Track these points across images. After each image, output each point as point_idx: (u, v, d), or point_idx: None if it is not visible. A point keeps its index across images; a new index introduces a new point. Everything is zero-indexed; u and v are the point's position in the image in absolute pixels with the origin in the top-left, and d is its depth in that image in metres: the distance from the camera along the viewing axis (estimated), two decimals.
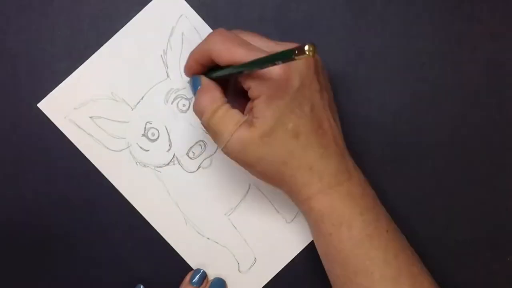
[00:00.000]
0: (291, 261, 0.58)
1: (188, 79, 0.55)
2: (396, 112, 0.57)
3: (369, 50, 0.57)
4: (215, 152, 0.58)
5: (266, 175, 0.50)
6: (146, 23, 0.57)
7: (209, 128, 0.50)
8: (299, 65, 0.47)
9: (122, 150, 0.57)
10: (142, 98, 0.57)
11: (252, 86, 0.48)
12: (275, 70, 0.46)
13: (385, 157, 0.57)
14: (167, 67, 0.57)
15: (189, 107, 0.57)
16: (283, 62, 0.42)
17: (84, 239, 0.57)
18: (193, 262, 0.58)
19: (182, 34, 0.57)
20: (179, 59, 0.57)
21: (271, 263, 0.58)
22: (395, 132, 0.57)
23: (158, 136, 0.57)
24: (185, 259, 0.58)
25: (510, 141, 0.57)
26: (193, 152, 0.58)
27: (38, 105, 0.56)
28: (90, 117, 0.57)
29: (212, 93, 0.50)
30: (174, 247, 0.58)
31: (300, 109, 0.47)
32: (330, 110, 0.50)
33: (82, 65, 0.57)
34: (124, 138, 0.57)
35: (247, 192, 0.58)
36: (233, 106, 0.50)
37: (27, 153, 0.57)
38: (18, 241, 0.57)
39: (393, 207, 0.57)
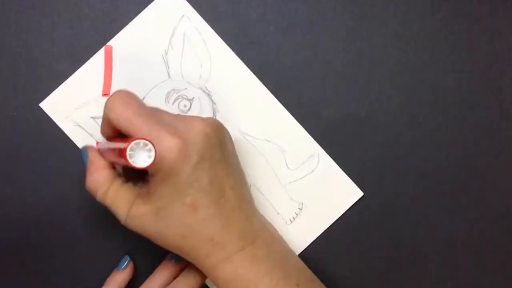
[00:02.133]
0: None
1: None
2: (396, 112, 0.57)
3: (369, 50, 0.57)
4: None
5: (169, 247, 0.49)
6: (147, 24, 0.57)
7: (107, 206, 0.50)
8: (197, 140, 0.47)
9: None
10: (143, 99, 0.57)
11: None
12: (170, 149, 0.45)
13: (385, 157, 0.57)
14: (168, 68, 0.57)
15: (190, 107, 0.57)
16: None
17: (84, 238, 0.57)
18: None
19: (184, 34, 0.57)
20: (180, 60, 0.57)
21: None
22: (395, 132, 0.57)
23: None
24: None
25: (510, 141, 0.57)
26: None
27: (40, 104, 0.56)
28: (92, 117, 0.57)
29: (101, 171, 0.50)
30: None
31: (199, 183, 0.47)
32: (233, 176, 0.50)
33: (84, 65, 0.57)
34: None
35: None
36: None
37: (28, 152, 0.57)
38: (17, 240, 0.57)
39: (393, 207, 0.57)
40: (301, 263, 0.53)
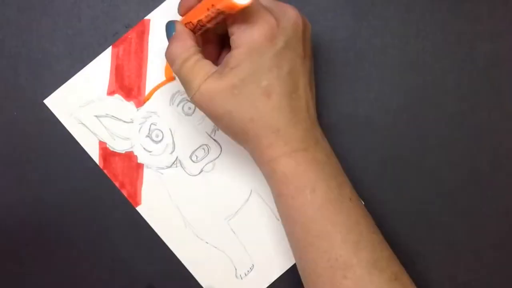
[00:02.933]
0: (288, 270, 0.58)
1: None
2: (396, 112, 0.57)
3: (369, 50, 0.57)
4: (218, 157, 0.58)
5: (232, 130, 0.49)
6: (154, 25, 0.57)
7: (180, 77, 0.49)
8: (287, 26, 0.47)
9: (126, 150, 0.57)
10: (148, 99, 0.57)
11: (236, 35, 0.47)
12: (262, 25, 0.46)
13: (385, 157, 0.57)
14: None
15: (194, 110, 0.57)
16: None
17: (85, 236, 0.57)
18: (190, 265, 0.58)
19: None
20: None
21: (268, 270, 0.58)
22: (395, 132, 0.57)
23: (162, 138, 0.57)
24: (182, 261, 0.58)
25: (510, 141, 0.57)
26: (196, 155, 0.58)
27: (45, 101, 0.57)
28: (96, 115, 0.57)
29: (185, 42, 0.49)
30: (172, 249, 0.57)
31: (278, 70, 0.47)
32: (308, 77, 0.49)
33: (90, 63, 0.57)
34: (128, 138, 0.57)
35: (248, 198, 0.58)
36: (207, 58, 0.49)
37: (28, 152, 0.57)
38: (18, 238, 0.57)
39: (393, 207, 0.57)
40: (349, 182, 0.52)
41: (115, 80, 0.57)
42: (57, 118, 0.57)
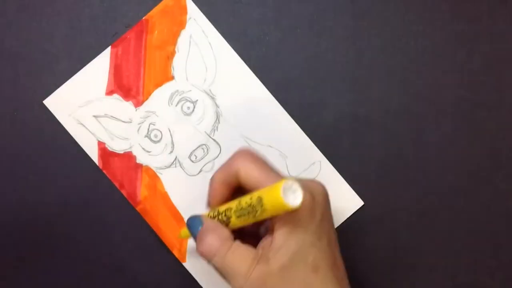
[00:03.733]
0: None
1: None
2: (396, 112, 0.57)
3: (369, 50, 0.57)
4: (217, 157, 0.58)
5: None
6: (154, 24, 0.57)
7: (221, 270, 0.47)
8: (320, 199, 0.47)
9: (124, 150, 0.57)
10: (147, 99, 0.57)
11: (276, 219, 0.46)
12: (303, 202, 0.44)
13: (385, 157, 0.57)
14: (173, 69, 0.57)
15: (193, 110, 0.57)
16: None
17: (85, 236, 0.57)
18: (189, 265, 0.58)
19: (190, 36, 0.57)
20: (185, 62, 0.57)
21: None
22: (395, 132, 0.57)
23: (161, 137, 0.57)
24: (181, 262, 0.58)
25: (510, 141, 0.57)
26: (195, 155, 0.58)
27: (44, 101, 0.57)
28: (94, 115, 0.57)
29: (219, 232, 0.47)
30: (171, 249, 0.57)
31: (320, 243, 0.46)
32: (338, 243, 0.49)
33: (89, 63, 0.57)
34: (127, 138, 0.57)
35: None
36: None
37: (27, 152, 0.57)
38: (18, 238, 0.57)
39: (393, 207, 0.57)
40: None
41: (114, 80, 0.57)
42: (56, 119, 0.57)
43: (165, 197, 0.58)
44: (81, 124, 0.57)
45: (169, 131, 0.57)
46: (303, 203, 0.43)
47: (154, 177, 0.58)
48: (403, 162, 0.58)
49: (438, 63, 0.57)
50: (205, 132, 0.57)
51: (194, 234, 0.49)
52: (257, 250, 0.47)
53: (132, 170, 0.57)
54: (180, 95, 0.57)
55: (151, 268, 0.57)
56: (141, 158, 0.57)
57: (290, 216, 0.45)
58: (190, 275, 0.58)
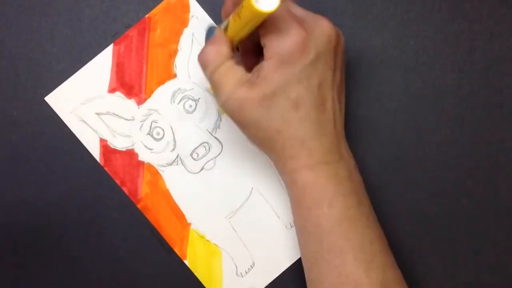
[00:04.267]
0: (289, 267, 0.58)
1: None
2: (396, 112, 0.57)
3: (369, 50, 0.57)
4: (219, 155, 0.58)
5: (258, 139, 0.49)
6: (157, 22, 0.57)
7: (211, 82, 0.49)
8: (319, 38, 0.47)
9: (126, 147, 0.57)
10: (149, 97, 0.57)
11: (268, 46, 0.47)
12: (294, 36, 0.46)
13: (385, 157, 0.57)
14: (176, 67, 0.57)
15: (195, 108, 0.57)
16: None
17: (86, 233, 0.57)
18: (190, 263, 0.58)
19: (192, 35, 0.57)
20: (188, 60, 0.57)
21: (269, 268, 0.58)
22: (395, 132, 0.57)
23: (163, 135, 0.57)
24: (182, 259, 0.58)
25: (510, 141, 0.57)
26: (197, 153, 0.58)
27: (46, 98, 0.57)
28: (96, 113, 0.57)
29: (220, 47, 0.49)
30: (172, 247, 0.58)
31: (308, 82, 0.47)
32: (337, 91, 0.49)
33: (91, 61, 0.57)
34: (129, 136, 0.57)
35: (249, 196, 0.58)
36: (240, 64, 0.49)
37: (27, 152, 0.57)
38: (19, 236, 0.57)
39: (393, 207, 0.57)
40: (369, 200, 0.52)
41: (116, 77, 0.57)
42: (58, 116, 0.57)
43: (166, 195, 0.58)
44: (83, 121, 0.57)
45: (171, 129, 0.57)
46: (295, 36, 0.44)
47: (155, 175, 0.58)
48: (403, 162, 0.57)
49: (438, 63, 0.57)
50: (207, 130, 0.58)
51: (205, 41, 0.51)
52: (247, 74, 0.48)
53: (134, 168, 0.58)
54: (182, 93, 0.57)
55: (152, 266, 0.58)
56: (143, 155, 0.58)
57: (280, 47, 0.46)
58: (191, 272, 0.58)
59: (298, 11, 0.49)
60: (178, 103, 0.57)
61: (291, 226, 0.58)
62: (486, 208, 0.58)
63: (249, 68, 0.49)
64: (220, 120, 0.57)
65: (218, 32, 0.50)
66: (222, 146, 0.58)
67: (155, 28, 0.57)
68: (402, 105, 0.57)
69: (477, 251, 0.58)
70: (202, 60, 0.49)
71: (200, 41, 0.57)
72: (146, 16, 0.57)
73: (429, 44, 0.57)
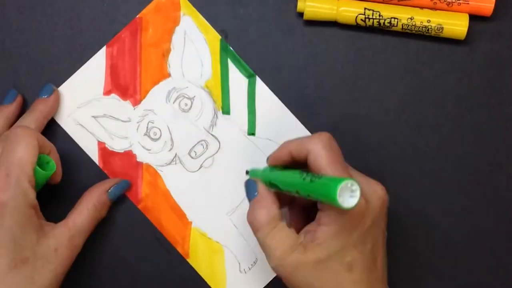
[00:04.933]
0: None
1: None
2: (396, 112, 0.57)
3: (369, 50, 0.57)
4: (216, 152, 0.58)
5: None
6: (148, 22, 0.57)
7: (263, 245, 0.49)
8: (376, 205, 0.47)
9: (124, 149, 0.57)
10: (144, 97, 0.57)
11: (326, 211, 0.46)
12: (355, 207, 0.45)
13: (385, 157, 0.57)
14: (170, 66, 0.57)
15: (191, 106, 0.57)
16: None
17: (88, 238, 0.57)
18: (193, 261, 0.58)
19: (185, 33, 0.57)
20: (181, 58, 0.57)
21: None
22: (395, 132, 0.57)
23: (160, 135, 0.57)
24: (185, 258, 0.58)
25: (510, 141, 0.57)
26: (195, 151, 0.58)
27: None
28: (93, 116, 0.57)
29: (270, 208, 0.49)
30: (174, 245, 0.58)
31: (363, 246, 0.47)
32: (384, 248, 0.49)
33: (85, 64, 0.57)
34: (127, 137, 0.57)
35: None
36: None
37: None
38: None
39: (393, 207, 0.56)
40: None
41: (111, 79, 0.57)
42: (55, 120, 0.57)
43: (166, 194, 0.58)
44: (80, 125, 0.57)
45: (168, 128, 0.57)
46: (355, 206, 0.43)
47: (154, 175, 0.58)
48: (403, 162, 0.57)
49: (438, 63, 0.57)
50: (204, 128, 0.58)
51: (249, 198, 0.50)
52: (299, 236, 0.48)
53: (133, 169, 0.58)
54: (177, 92, 0.57)
55: (155, 265, 0.58)
56: (141, 156, 0.58)
57: (339, 215, 0.46)
58: (195, 271, 0.58)
59: (354, 174, 0.49)
60: (174, 102, 0.57)
61: None
62: (486, 208, 0.58)
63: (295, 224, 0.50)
64: (216, 117, 0.58)
65: (264, 191, 0.50)
66: (219, 143, 0.58)
67: (147, 28, 0.57)
68: (402, 105, 0.57)
69: (477, 251, 0.58)
70: (254, 222, 0.49)
71: (192, 39, 0.57)
72: (137, 16, 0.57)
73: (429, 44, 0.57)
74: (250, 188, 0.50)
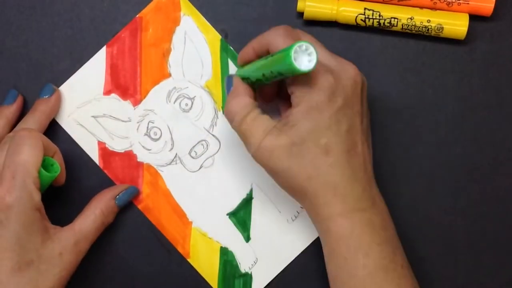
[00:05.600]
0: (293, 261, 0.58)
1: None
2: (396, 112, 0.57)
3: (369, 50, 0.57)
4: (217, 152, 0.58)
5: (290, 187, 0.49)
6: (148, 22, 0.57)
7: (239, 133, 0.50)
8: (346, 84, 0.47)
9: (125, 149, 0.57)
10: (144, 97, 0.57)
11: (296, 93, 0.47)
12: (322, 84, 0.46)
13: (385, 157, 0.57)
14: (170, 66, 0.57)
15: (191, 106, 0.57)
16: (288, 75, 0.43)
17: None
18: (194, 261, 0.58)
19: (185, 33, 0.57)
20: (181, 58, 0.57)
21: (272, 263, 0.58)
22: (395, 132, 0.57)
23: (161, 135, 0.57)
24: (186, 258, 0.58)
25: (510, 141, 0.57)
26: (195, 151, 0.58)
27: None
28: (93, 116, 0.57)
29: (243, 98, 0.49)
30: (175, 245, 0.58)
31: (337, 127, 0.47)
32: (365, 135, 0.49)
33: (85, 64, 0.57)
34: (127, 137, 0.57)
35: (249, 192, 0.58)
36: (264, 109, 0.49)
37: None
38: None
39: (393, 207, 0.56)
40: (401, 246, 0.51)
41: (111, 79, 0.57)
42: (55, 120, 0.57)
43: (167, 194, 0.58)
44: (81, 125, 0.57)
45: (168, 128, 0.57)
46: (322, 83, 0.44)
47: (155, 175, 0.58)
48: (403, 162, 0.57)
49: (438, 63, 0.57)
50: (204, 128, 0.58)
51: (227, 92, 0.51)
52: (273, 121, 0.48)
53: (133, 169, 0.58)
54: (177, 92, 0.57)
55: (156, 265, 0.58)
56: (142, 156, 0.58)
57: (308, 94, 0.46)
58: (195, 270, 0.58)
59: (324, 54, 0.49)
60: (174, 102, 0.57)
61: (293, 220, 0.58)
62: (486, 208, 0.58)
63: (268, 101, 0.51)
64: (217, 117, 0.58)
65: (238, 83, 0.50)
66: (219, 143, 0.58)
67: (147, 28, 0.57)
68: (402, 105, 0.57)
69: (477, 251, 0.58)
70: (228, 113, 0.50)
71: (193, 39, 0.57)
72: (137, 16, 0.57)
73: (429, 44, 0.57)
74: (227, 84, 0.51)
